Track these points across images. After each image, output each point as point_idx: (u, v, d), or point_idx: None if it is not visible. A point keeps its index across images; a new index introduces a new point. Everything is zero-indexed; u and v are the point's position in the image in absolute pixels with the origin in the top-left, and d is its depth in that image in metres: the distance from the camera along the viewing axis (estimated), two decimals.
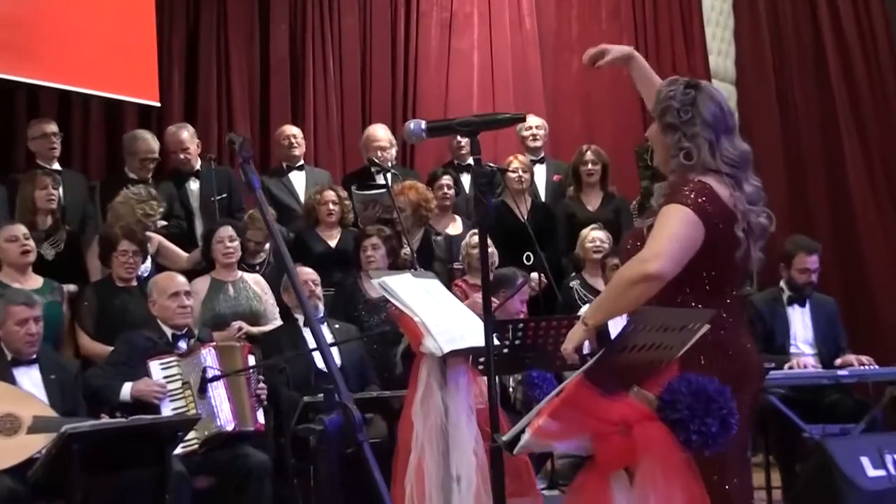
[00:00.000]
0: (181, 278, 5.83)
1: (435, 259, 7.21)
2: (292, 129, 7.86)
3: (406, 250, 6.75)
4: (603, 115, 9.65)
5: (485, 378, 4.16)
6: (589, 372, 2.84)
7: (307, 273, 6.16)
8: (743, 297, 3.33)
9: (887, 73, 9.53)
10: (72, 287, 6.22)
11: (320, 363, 5.84)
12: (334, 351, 5.77)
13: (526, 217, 7.00)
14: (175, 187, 7.19)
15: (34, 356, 5.22)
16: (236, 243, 6.41)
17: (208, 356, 5.46)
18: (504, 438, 3.01)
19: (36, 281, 5.98)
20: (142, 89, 7.69)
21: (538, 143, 8.12)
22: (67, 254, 6.38)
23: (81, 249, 6.52)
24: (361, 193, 7.23)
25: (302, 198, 7.52)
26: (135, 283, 6.16)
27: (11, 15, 6.95)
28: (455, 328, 3.97)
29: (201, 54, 8.41)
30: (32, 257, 5.98)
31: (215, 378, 5.34)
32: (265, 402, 5.61)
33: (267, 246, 6.91)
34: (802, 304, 6.59)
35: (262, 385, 5.59)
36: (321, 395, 5.47)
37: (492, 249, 6.22)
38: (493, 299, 3.83)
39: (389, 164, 7.43)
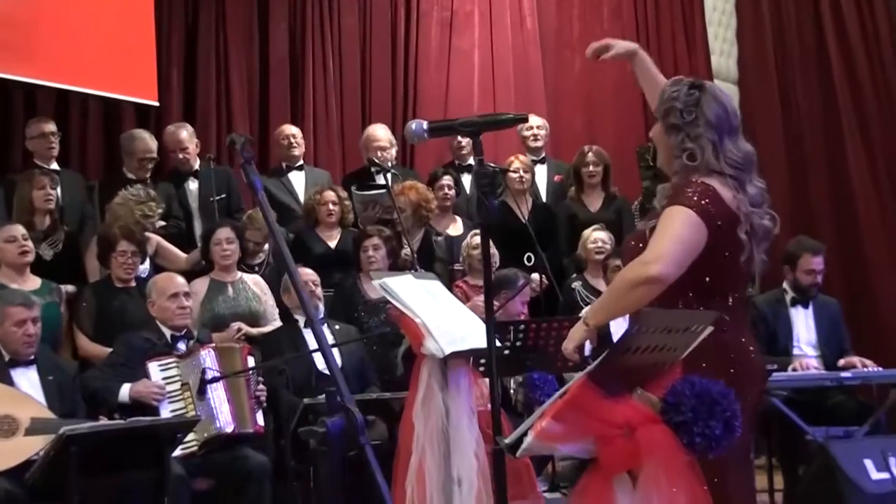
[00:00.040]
0: (180, 279, 5.81)
1: (436, 260, 7.18)
2: (292, 129, 7.84)
3: (406, 251, 6.73)
4: (604, 115, 9.63)
5: (486, 380, 4.17)
6: (592, 374, 2.83)
7: (307, 274, 6.14)
8: (745, 299, 3.30)
9: (891, 73, 9.52)
10: (70, 288, 6.20)
11: (321, 365, 5.84)
12: (335, 352, 5.74)
13: (527, 217, 6.99)
14: (174, 187, 7.17)
15: (32, 357, 5.19)
16: (234, 245, 6.38)
17: (207, 357, 5.44)
18: (507, 441, 2.99)
19: (34, 282, 5.96)
20: (140, 89, 7.66)
21: (539, 144, 8.10)
22: (66, 254, 6.36)
23: (80, 250, 6.50)
24: (361, 194, 7.20)
25: (301, 198, 7.50)
26: (133, 284, 6.14)
27: (9, 14, 6.93)
28: (456, 330, 3.96)
29: (200, 53, 8.38)
30: (31, 258, 5.95)
31: (215, 379, 5.32)
32: (264, 404, 5.58)
33: (266, 246, 6.89)
34: (806, 306, 6.57)
35: (261, 387, 5.56)
36: (321, 396, 5.46)
37: (493, 250, 6.19)
38: (494, 301, 3.80)
39: (389, 164, 7.41)
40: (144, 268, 6.35)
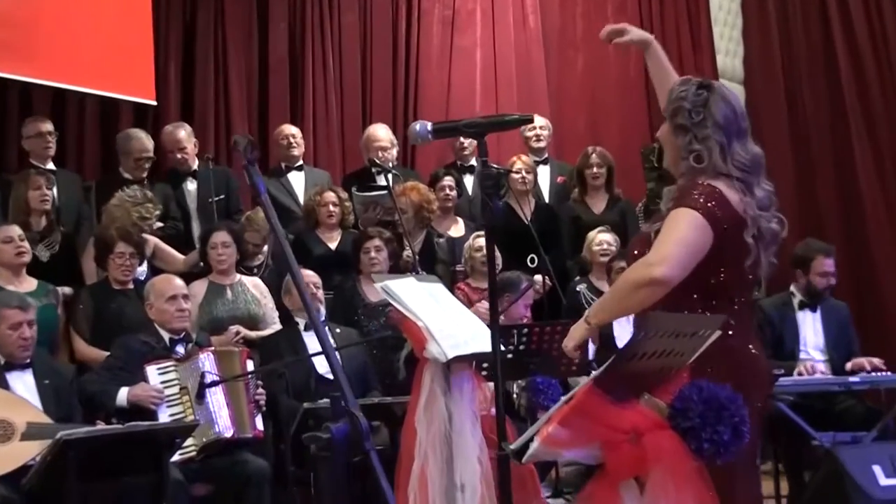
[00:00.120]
0: (179, 281, 5.76)
1: (437, 261, 7.14)
2: (291, 129, 7.80)
3: (408, 252, 6.68)
4: (608, 115, 9.61)
5: (489, 384, 4.13)
6: (599, 379, 2.80)
7: (309, 276, 6.09)
8: (752, 303, 3.26)
9: None
10: (67, 290, 6.15)
11: (321, 368, 5.81)
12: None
13: (529, 218, 6.95)
14: (172, 188, 7.13)
15: (28, 361, 5.15)
16: (230, 249, 6.33)
17: (206, 361, 5.40)
18: (512, 447, 2.95)
19: (30, 283, 5.92)
20: (138, 87, 7.62)
21: (542, 144, 8.06)
22: (62, 255, 6.32)
23: (76, 251, 6.47)
24: (362, 195, 7.16)
25: (301, 199, 7.46)
26: (131, 286, 6.10)
27: (5, 12, 6.88)
28: (459, 333, 3.95)
29: (198, 52, 8.34)
30: (27, 258, 5.92)
31: (214, 383, 5.28)
32: (264, 408, 5.54)
33: (265, 248, 6.83)
34: (814, 309, 6.54)
35: (260, 391, 5.52)
36: (322, 401, 5.44)
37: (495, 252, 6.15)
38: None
39: (390, 164, 7.37)
40: (142, 270, 6.31)
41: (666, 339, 2.79)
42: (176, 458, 5.02)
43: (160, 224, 6.75)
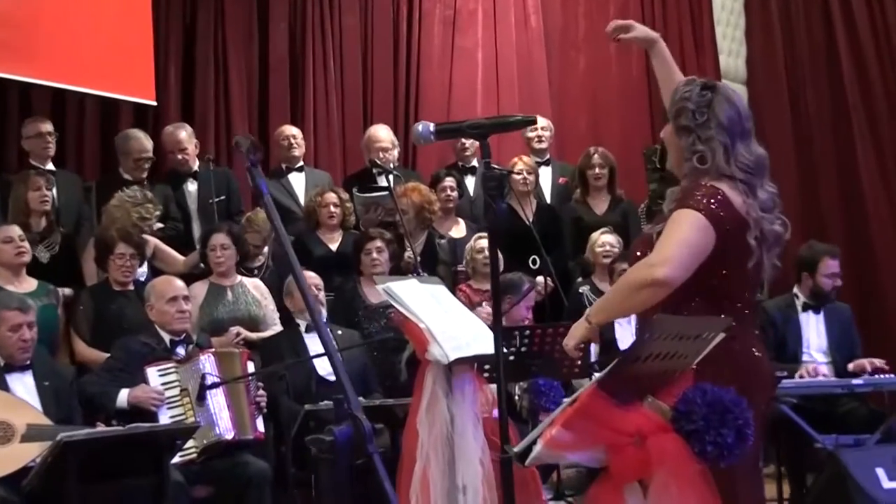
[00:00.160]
0: (179, 283, 5.75)
1: (438, 262, 7.12)
2: (292, 130, 7.78)
3: (409, 253, 6.66)
4: (610, 116, 9.59)
5: (490, 386, 4.12)
6: (602, 382, 2.81)
7: (311, 277, 6.07)
8: (755, 305, 3.25)
9: None
10: (67, 291, 6.13)
11: (322, 370, 5.80)
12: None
13: (531, 220, 6.93)
14: (172, 189, 7.11)
15: (28, 362, 5.13)
16: (229, 251, 6.31)
17: (207, 363, 5.39)
18: (516, 449, 2.94)
19: (30, 283, 5.90)
20: (138, 88, 7.58)
21: (544, 145, 8.05)
22: (62, 256, 6.31)
23: (76, 252, 6.45)
24: (363, 196, 7.14)
25: (301, 200, 7.45)
26: (131, 288, 6.09)
27: (4, 12, 6.84)
28: (461, 335, 3.94)
29: (199, 52, 8.31)
30: (27, 258, 5.90)
31: (214, 385, 5.27)
32: (265, 410, 5.53)
33: (265, 249, 6.82)
34: (817, 311, 6.54)
35: (261, 392, 5.50)
36: (323, 403, 5.43)
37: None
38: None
39: (391, 165, 7.35)
40: (142, 271, 6.30)
41: (670, 342, 2.80)
42: (176, 459, 5.02)
43: (160, 225, 6.74)
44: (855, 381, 6.09)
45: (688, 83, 3.21)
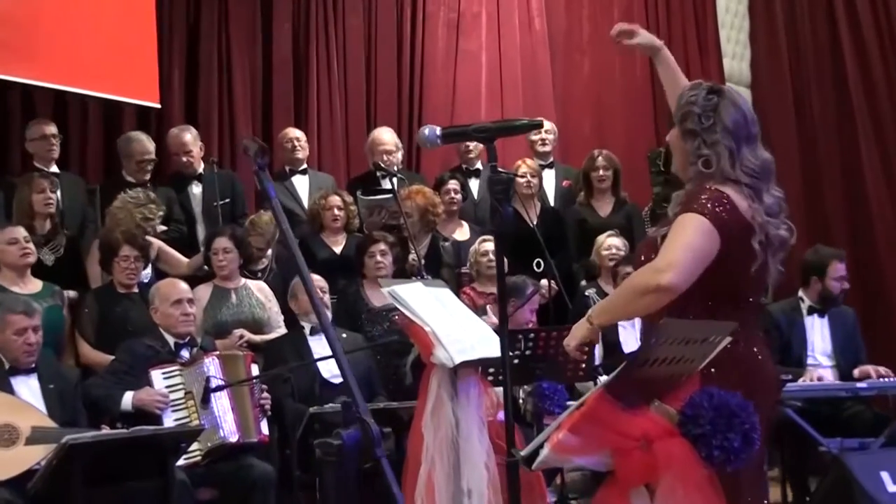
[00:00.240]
0: (184, 285, 5.75)
1: (443, 265, 7.11)
2: (295, 132, 7.77)
3: (413, 256, 6.66)
4: (614, 119, 9.58)
5: (495, 389, 4.11)
6: (609, 386, 2.81)
7: (315, 280, 6.04)
8: (759, 308, 3.25)
9: None
10: (71, 293, 6.13)
11: (325, 373, 5.79)
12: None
13: (535, 223, 6.92)
14: (177, 191, 7.10)
15: (33, 365, 5.13)
16: (232, 255, 6.31)
17: (211, 365, 5.38)
18: (522, 453, 2.94)
19: (35, 284, 5.91)
20: (141, 90, 7.57)
21: (547, 148, 8.05)
22: (67, 259, 6.30)
23: (81, 255, 6.44)
24: (367, 199, 7.14)
25: (305, 202, 7.45)
26: (136, 290, 6.09)
27: (7, 13, 6.83)
28: (466, 338, 3.93)
29: (202, 54, 8.31)
30: (32, 259, 5.90)
31: (219, 388, 5.27)
32: (269, 413, 5.52)
33: (269, 252, 6.81)
34: (822, 315, 6.53)
35: (265, 395, 5.49)
36: (327, 405, 5.42)
37: None
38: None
39: (395, 168, 7.34)
40: (146, 273, 6.29)
41: (676, 346, 2.79)
42: (181, 462, 5.01)
43: (164, 227, 6.74)
44: (860, 385, 6.09)
45: (694, 87, 3.20)
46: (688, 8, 9.93)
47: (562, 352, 4.98)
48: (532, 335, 5.08)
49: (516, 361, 4.99)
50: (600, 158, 7.66)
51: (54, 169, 6.74)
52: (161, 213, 6.50)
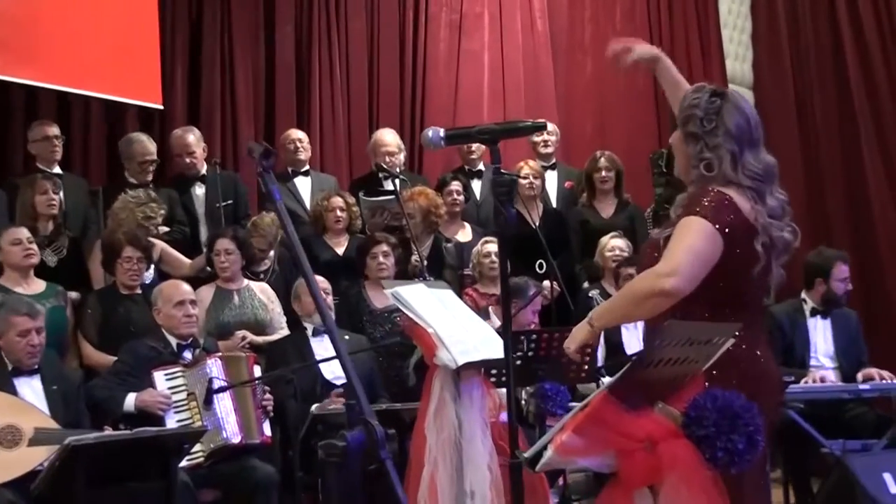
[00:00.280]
0: (186, 287, 5.75)
1: (445, 266, 7.11)
2: (298, 134, 7.76)
3: (415, 257, 6.65)
4: (616, 120, 9.57)
5: (498, 390, 4.12)
6: (614, 387, 2.82)
7: (319, 281, 6.05)
8: (762, 310, 3.24)
9: None
10: (74, 294, 6.13)
11: (327, 374, 5.79)
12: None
13: (537, 224, 6.91)
14: (179, 192, 7.10)
15: (36, 366, 5.13)
16: (234, 256, 6.30)
17: (214, 367, 5.38)
18: (526, 455, 2.94)
19: (39, 285, 5.91)
20: (144, 91, 7.56)
21: (550, 150, 8.04)
22: (70, 260, 6.30)
23: (84, 256, 6.44)
24: (369, 200, 7.13)
25: (308, 204, 7.44)
26: (139, 291, 6.09)
27: (8, 13, 6.82)
28: (468, 339, 3.93)
29: (205, 55, 8.30)
30: (35, 260, 5.90)
31: (221, 389, 5.26)
32: (271, 414, 5.52)
33: (271, 254, 6.81)
34: (825, 317, 6.53)
35: (268, 396, 5.49)
36: (331, 406, 5.41)
37: None
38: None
39: (398, 169, 7.34)
40: (149, 274, 6.28)
41: (680, 347, 2.80)
42: (184, 463, 5.00)
43: (166, 228, 6.74)
44: (862, 387, 6.08)
45: (697, 90, 3.20)
46: (690, 9, 9.92)
47: (564, 353, 5.01)
48: (534, 336, 5.07)
49: (519, 363, 4.98)
50: (603, 160, 7.66)
51: (57, 170, 6.74)
52: (162, 212, 6.49)
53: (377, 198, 7.13)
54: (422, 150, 8.74)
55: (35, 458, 4.74)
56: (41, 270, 6.00)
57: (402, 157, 7.66)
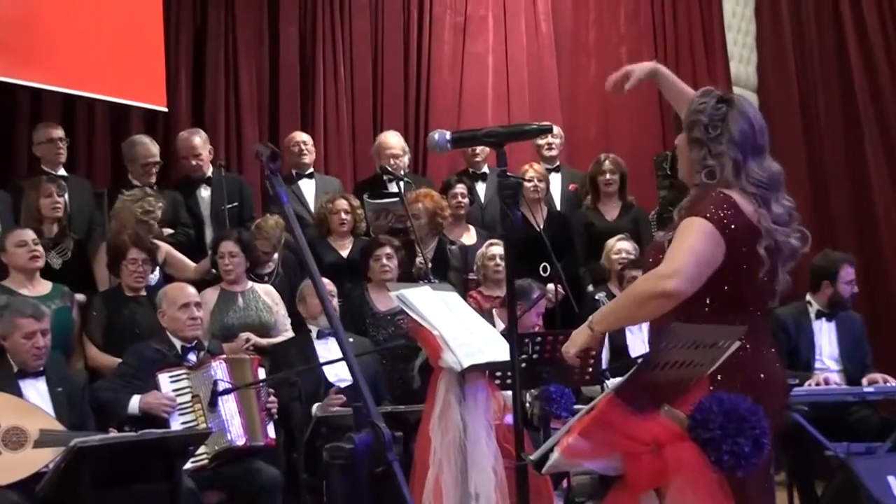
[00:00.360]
0: (191, 289, 5.75)
1: (449, 269, 7.10)
2: (302, 136, 7.75)
3: (420, 259, 6.65)
4: (620, 122, 9.55)
5: (503, 393, 4.12)
6: (620, 390, 2.82)
7: (325, 284, 6.06)
8: (768, 312, 3.24)
9: None
10: (80, 297, 6.13)
11: (331, 376, 5.80)
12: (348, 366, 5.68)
13: (542, 227, 6.91)
14: (185, 194, 7.11)
15: (41, 368, 5.13)
16: (237, 258, 6.30)
17: (218, 369, 5.38)
18: (532, 457, 2.94)
19: (44, 286, 5.91)
20: (149, 93, 7.56)
21: (554, 153, 8.02)
22: (75, 262, 6.30)
23: (89, 258, 6.44)
24: (374, 202, 7.13)
25: (312, 206, 7.43)
26: (144, 293, 6.09)
27: (13, 16, 6.82)
28: (474, 342, 3.93)
29: (209, 56, 8.30)
30: (41, 263, 5.90)
31: (226, 391, 5.26)
32: (276, 416, 5.52)
33: (275, 256, 6.81)
34: (830, 319, 6.53)
35: (272, 398, 5.49)
36: (334, 408, 5.41)
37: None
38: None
39: (402, 171, 7.33)
40: (154, 276, 6.28)
41: (686, 350, 2.81)
42: (188, 465, 5.01)
43: (170, 230, 6.74)
44: (867, 389, 6.08)
45: (704, 94, 3.19)
46: (694, 12, 9.90)
47: None
48: (539, 339, 5.07)
49: (523, 365, 4.98)
50: (607, 162, 7.64)
51: (62, 172, 6.74)
52: (160, 206, 6.46)
53: (382, 200, 7.13)
54: (426, 153, 8.74)
55: (40, 459, 4.75)
56: (46, 273, 6.00)
57: (406, 159, 7.65)
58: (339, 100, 8.79)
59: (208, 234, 7.06)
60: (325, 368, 5.77)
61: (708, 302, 3.02)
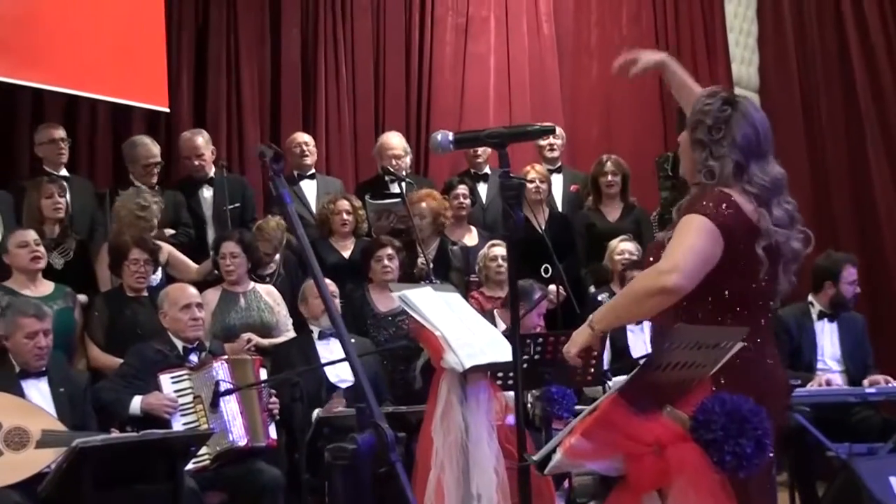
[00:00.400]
0: (193, 290, 5.75)
1: (451, 269, 7.10)
2: (304, 137, 7.75)
3: (422, 260, 6.65)
4: (622, 123, 9.54)
5: (504, 393, 4.12)
6: (623, 391, 2.82)
7: (327, 284, 6.05)
8: (770, 312, 3.24)
9: None
10: (82, 297, 6.12)
11: (332, 377, 5.80)
12: (348, 367, 5.68)
13: (543, 228, 6.91)
14: (187, 195, 7.10)
15: (43, 369, 5.13)
16: (239, 259, 6.29)
17: (220, 370, 5.38)
18: (535, 458, 2.94)
19: (47, 287, 5.92)
20: (150, 94, 7.57)
21: (555, 154, 8.01)
22: (76, 263, 6.30)
23: (91, 258, 6.44)
24: (375, 203, 7.13)
25: (313, 207, 7.42)
26: (145, 294, 6.09)
27: (15, 16, 6.82)
28: (475, 342, 3.93)
29: (210, 57, 8.31)
30: (43, 263, 5.91)
31: (228, 392, 5.26)
32: (277, 417, 5.52)
33: (277, 257, 6.81)
34: (832, 320, 6.52)
35: (273, 399, 5.49)
36: (336, 409, 5.41)
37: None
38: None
39: (404, 172, 7.33)
40: (156, 277, 6.28)
41: (688, 351, 2.80)
42: (190, 466, 5.01)
43: (171, 231, 6.74)
44: (869, 390, 6.09)
45: (710, 95, 3.18)
46: (696, 12, 9.88)
47: None
48: (541, 339, 5.08)
49: (525, 366, 4.98)
50: (609, 163, 7.63)
51: (63, 173, 6.74)
52: (156, 200, 6.45)
53: (383, 201, 7.13)
54: (428, 153, 8.74)
55: (42, 460, 4.75)
56: (48, 273, 6.00)
57: (408, 160, 7.65)
58: (341, 100, 8.80)
59: (210, 235, 7.05)
60: (327, 369, 5.78)
61: (711, 300, 3.02)
